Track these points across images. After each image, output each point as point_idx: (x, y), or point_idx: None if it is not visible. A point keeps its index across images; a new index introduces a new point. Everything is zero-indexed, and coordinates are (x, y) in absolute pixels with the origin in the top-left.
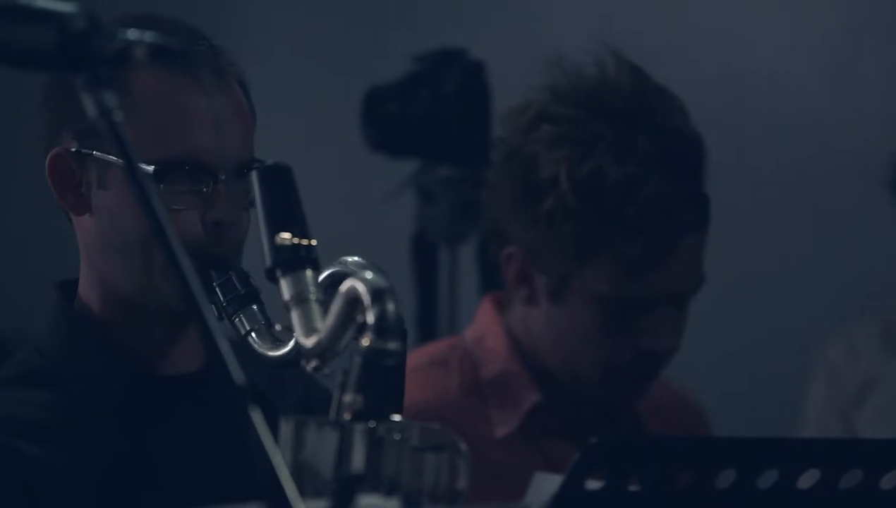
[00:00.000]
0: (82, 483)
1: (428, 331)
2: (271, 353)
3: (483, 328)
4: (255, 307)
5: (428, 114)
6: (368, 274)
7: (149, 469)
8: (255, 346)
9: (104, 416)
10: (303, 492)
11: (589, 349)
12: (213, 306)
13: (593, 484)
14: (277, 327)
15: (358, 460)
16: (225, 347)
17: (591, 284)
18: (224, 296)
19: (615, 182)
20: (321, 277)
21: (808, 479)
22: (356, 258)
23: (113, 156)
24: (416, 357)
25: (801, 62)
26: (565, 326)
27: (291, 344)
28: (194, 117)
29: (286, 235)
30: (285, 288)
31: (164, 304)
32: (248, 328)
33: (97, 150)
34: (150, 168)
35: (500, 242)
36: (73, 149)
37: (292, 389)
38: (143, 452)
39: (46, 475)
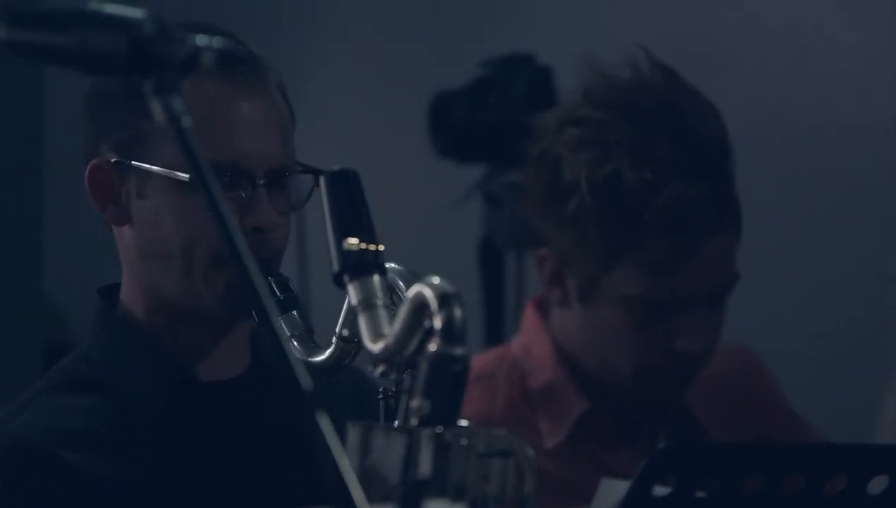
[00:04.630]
0: (126, 489)
1: (495, 336)
2: (311, 359)
3: (530, 336)
4: (294, 313)
5: (495, 119)
6: (435, 280)
7: (194, 475)
8: (295, 352)
9: (149, 422)
10: (370, 497)
11: (621, 350)
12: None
13: (660, 490)
14: (344, 332)
15: (425, 465)
16: (292, 353)
17: (618, 286)
18: None
19: (632, 186)
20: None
21: (876, 485)
22: (394, 265)
23: (151, 165)
24: None
25: (875, 65)
26: (597, 328)
27: (330, 350)
28: (232, 122)
29: (354, 241)
30: (353, 294)
31: (207, 310)
32: (288, 333)
33: (136, 160)
34: (186, 176)
35: (534, 243)
36: (113, 160)
37: (342, 392)
38: (187, 458)
39: (90, 481)
